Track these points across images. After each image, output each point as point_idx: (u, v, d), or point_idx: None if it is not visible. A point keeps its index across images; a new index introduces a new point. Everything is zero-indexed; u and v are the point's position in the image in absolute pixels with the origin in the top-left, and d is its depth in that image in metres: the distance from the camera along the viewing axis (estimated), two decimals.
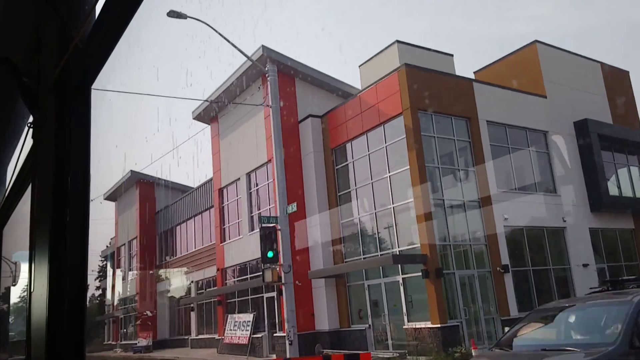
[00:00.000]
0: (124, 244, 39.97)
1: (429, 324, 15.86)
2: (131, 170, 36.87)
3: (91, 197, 1.56)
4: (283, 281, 13.23)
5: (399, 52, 20.58)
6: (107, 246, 63.44)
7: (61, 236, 1.45)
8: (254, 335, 21.55)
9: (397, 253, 17.47)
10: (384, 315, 17.81)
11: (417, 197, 16.76)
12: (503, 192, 18.57)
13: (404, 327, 16.90)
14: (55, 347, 1.39)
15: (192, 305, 30.37)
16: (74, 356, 1.40)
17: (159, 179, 38.01)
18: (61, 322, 1.39)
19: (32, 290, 1.56)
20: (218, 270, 25.12)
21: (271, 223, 13.70)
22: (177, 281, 33.51)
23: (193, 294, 30.56)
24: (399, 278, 17.42)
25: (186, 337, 32.14)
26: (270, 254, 13.33)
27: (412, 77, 17.71)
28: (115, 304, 44.01)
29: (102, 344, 44.25)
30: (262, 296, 21.82)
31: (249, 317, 22.10)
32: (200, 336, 29.09)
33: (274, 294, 21.01)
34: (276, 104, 16.14)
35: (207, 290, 25.81)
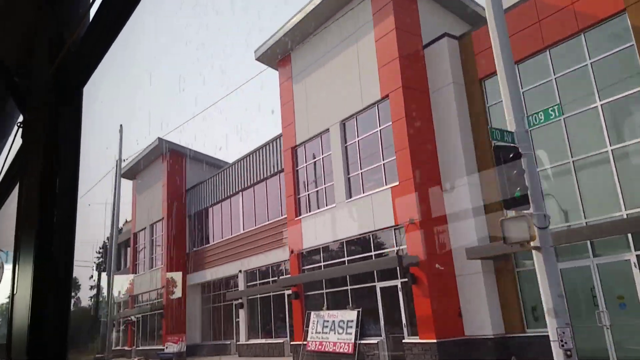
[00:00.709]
0: (144, 229, 33.49)
1: None
2: (158, 138, 30.56)
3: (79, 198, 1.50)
4: (538, 243, 7.19)
5: None
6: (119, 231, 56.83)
7: (47, 238, 1.43)
8: (363, 341, 15.32)
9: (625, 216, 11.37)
10: (599, 313, 11.65)
11: None
12: None
13: None
14: (37, 350, 1.36)
15: (240, 300, 24.02)
16: (56, 354, 1.37)
17: (189, 149, 31.70)
18: (44, 325, 1.37)
19: (14, 292, 1.52)
20: (292, 253, 18.85)
21: (506, 142, 7.72)
22: (216, 272, 27.11)
23: (242, 287, 24.22)
24: (630, 256, 11.31)
25: (227, 342, 25.73)
26: (517, 193, 7.28)
27: None
28: (124, 301, 37.49)
29: (111, 350, 37.64)
30: (374, 285, 15.56)
31: (350, 314, 15.86)
32: (255, 340, 22.76)
33: (396, 282, 14.80)
34: None
35: (280, 278, 19.51)
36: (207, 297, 28.99)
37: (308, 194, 18.90)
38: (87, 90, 1.59)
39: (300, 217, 18.88)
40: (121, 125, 22.05)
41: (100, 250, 66.87)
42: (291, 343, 18.48)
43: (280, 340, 21.08)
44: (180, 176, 31.32)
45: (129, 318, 34.33)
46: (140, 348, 31.65)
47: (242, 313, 23.92)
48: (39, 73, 1.66)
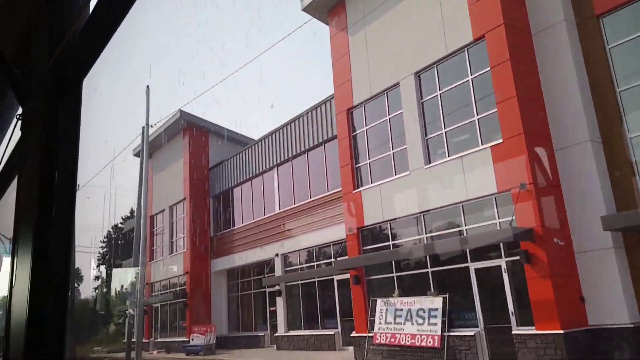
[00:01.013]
0: (162, 211, 30.88)
1: None
2: (180, 110, 27.86)
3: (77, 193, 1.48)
4: None
5: None
6: (123, 220, 53.98)
7: (46, 230, 1.44)
8: (452, 333, 12.75)
9: None
10: None
11: None
12: None
13: None
14: (35, 343, 1.36)
15: (277, 287, 21.46)
16: (54, 353, 1.37)
17: (213, 124, 29.02)
18: (42, 318, 1.37)
19: (13, 284, 1.53)
20: (352, 231, 16.23)
21: None
22: (244, 256, 24.54)
23: (279, 272, 21.66)
24: None
25: (260, 334, 23.22)
26: None
27: None
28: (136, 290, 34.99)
29: (122, 343, 35.20)
30: (467, 266, 12.94)
31: (434, 301, 13.27)
32: (296, 332, 20.23)
33: (498, 262, 12.19)
34: None
35: (339, 260, 16.84)
36: (233, 284, 26.43)
37: (370, 163, 16.25)
38: (86, 82, 1.59)
39: (360, 189, 16.24)
40: (148, 87, 19.39)
41: (105, 240, 64.26)
42: (352, 335, 15.89)
43: (329, 332, 18.54)
44: (204, 153, 28.68)
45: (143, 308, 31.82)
46: (160, 340, 29.15)
47: (279, 301, 21.37)
48: (38, 65, 1.65)
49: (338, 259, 16.60)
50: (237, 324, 25.58)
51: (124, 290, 44.15)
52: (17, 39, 1.91)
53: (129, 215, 58.19)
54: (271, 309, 23.03)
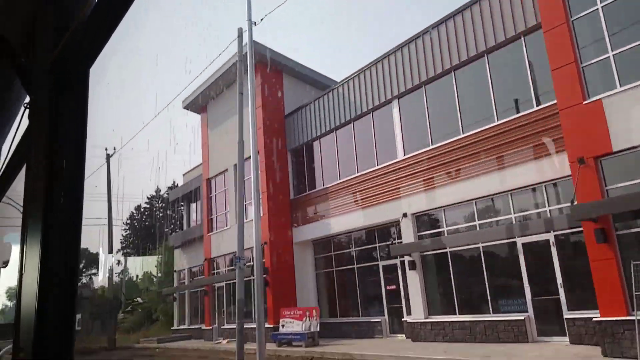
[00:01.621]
0: (223, 172, 25.38)
1: None
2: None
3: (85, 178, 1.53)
4: None
5: None
6: (170, 188, 48.40)
7: (54, 218, 1.46)
8: None
9: None
10: None
11: None
12: None
13: None
14: (45, 331, 1.38)
15: (409, 257, 15.88)
16: (63, 341, 1.39)
17: (290, 59, 23.30)
18: (51, 306, 1.40)
19: (22, 272, 1.54)
20: (585, 162, 10.51)
21: None
22: (345, 221, 18.99)
23: (409, 238, 16.06)
24: None
25: (373, 320, 17.76)
26: None
27: None
28: (188, 269, 29.86)
29: (170, 330, 30.09)
30: None
31: None
32: (442, 317, 14.69)
33: None
34: None
35: (577, 206, 10.97)
36: (323, 257, 20.97)
37: (613, 56, 10.47)
38: (93, 71, 1.58)
39: (598, 97, 10.51)
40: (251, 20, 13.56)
41: (128, 222, 58.94)
42: (596, 319, 10.22)
43: (512, 317, 12.96)
44: (280, 97, 23.07)
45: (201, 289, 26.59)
46: (226, 327, 23.87)
47: (413, 277, 15.80)
48: (44, 54, 1.64)
49: (573, 203, 10.75)
50: (332, 307, 20.15)
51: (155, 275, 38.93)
52: (23, 28, 1.90)
53: (171, 185, 52.52)
54: (389, 287, 17.54)
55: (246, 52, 13.85)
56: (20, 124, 2.33)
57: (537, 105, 12.74)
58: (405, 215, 16.23)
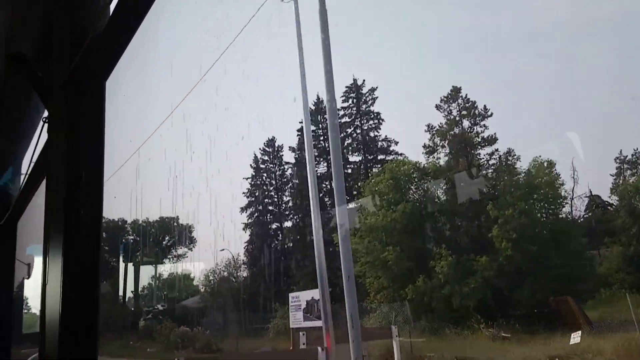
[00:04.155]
0: None
1: None
2: None
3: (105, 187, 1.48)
4: None
5: None
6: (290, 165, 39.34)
7: (75, 229, 1.47)
8: None
9: None
10: None
11: None
12: None
13: None
14: (69, 339, 1.39)
15: None
16: (87, 348, 1.39)
17: None
18: (74, 314, 1.40)
19: (46, 282, 1.58)
20: None
21: None
22: None
23: None
24: None
25: None
26: None
27: None
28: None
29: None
30: None
31: None
32: None
33: None
34: None
35: None
36: None
37: None
38: (110, 82, 1.58)
39: None
40: None
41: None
42: None
43: None
44: None
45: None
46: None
47: None
48: (61, 67, 1.63)
49: None
50: None
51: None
52: (38, 41, 1.94)
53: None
54: None
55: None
56: (40, 137, 2.37)
57: None
58: None
